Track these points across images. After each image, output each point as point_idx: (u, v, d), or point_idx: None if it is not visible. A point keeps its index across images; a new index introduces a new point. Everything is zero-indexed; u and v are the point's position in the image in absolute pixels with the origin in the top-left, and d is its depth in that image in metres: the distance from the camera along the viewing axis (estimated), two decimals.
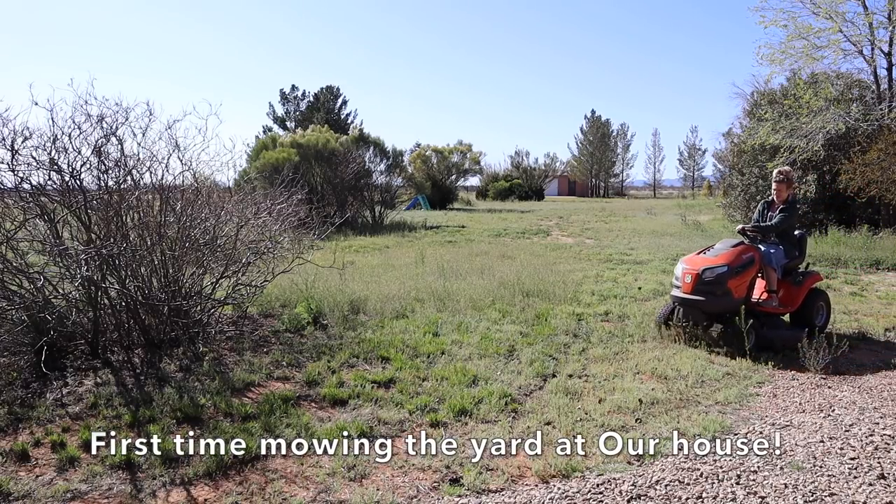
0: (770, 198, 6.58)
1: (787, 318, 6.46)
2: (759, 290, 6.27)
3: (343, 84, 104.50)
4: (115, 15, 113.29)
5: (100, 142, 5.32)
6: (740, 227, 6.38)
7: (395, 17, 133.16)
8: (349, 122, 53.67)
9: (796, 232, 6.55)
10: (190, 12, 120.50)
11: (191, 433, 3.95)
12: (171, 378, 4.86)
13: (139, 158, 5.73)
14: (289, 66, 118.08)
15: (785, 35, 15.20)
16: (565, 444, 3.81)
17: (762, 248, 6.16)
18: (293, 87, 55.52)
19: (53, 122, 5.09)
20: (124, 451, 3.61)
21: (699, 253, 6.22)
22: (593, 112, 79.89)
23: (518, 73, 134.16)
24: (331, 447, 3.77)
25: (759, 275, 6.17)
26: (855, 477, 3.41)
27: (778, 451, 3.72)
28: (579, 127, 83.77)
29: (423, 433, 4.01)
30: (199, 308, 6.05)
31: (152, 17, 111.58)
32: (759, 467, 3.52)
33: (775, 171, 6.46)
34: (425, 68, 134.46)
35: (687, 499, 3.18)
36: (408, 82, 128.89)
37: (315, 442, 3.82)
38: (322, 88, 55.49)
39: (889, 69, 14.83)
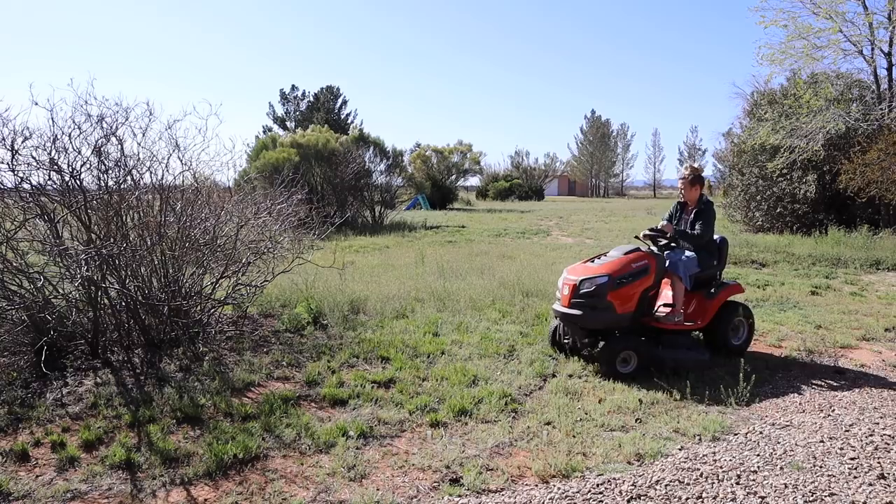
0: (682, 198, 5.89)
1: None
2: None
3: (343, 84, 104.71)
4: (114, 17, 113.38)
5: (100, 142, 5.32)
6: (658, 227, 5.63)
7: (396, 18, 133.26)
8: (349, 122, 53.67)
9: (716, 237, 5.84)
10: (190, 14, 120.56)
11: (191, 433, 3.96)
12: (171, 378, 4.86)
13: (139, 158, 5.73)
14: (289, 67, 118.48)
15: (785, 35, 15.22)
16: (565, 443, 3.81)
17: (671, 256, 5.52)
18: (293, 87, 55.55)
19: (53, 122, 5.09)
20: (124, 452, 3.61)
21: (587, 260, 5.55)
22: (593, 112, 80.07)
23: (518, 74, 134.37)
24: (331, 447, 3.77)
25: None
26: (855, 477, 3.41)
27: (778, 451, 3.72)
28: (579, 127, 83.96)
29: (423, 433, 4.02)
30: (199, 308, 6.05)
31: (152, 19, 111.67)
32: (759, 467, 3.52)
33: (682, 170, 5.85)
34: (425, 69, 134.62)
35: (687, 499, 3.18)
36: (408, 83, 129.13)
37: (315, 442, 3.83)
38: (322, 88, 55.51)
39: (889, 69, 14.84)
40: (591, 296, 5.10)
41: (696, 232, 5.63)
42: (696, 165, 5.87)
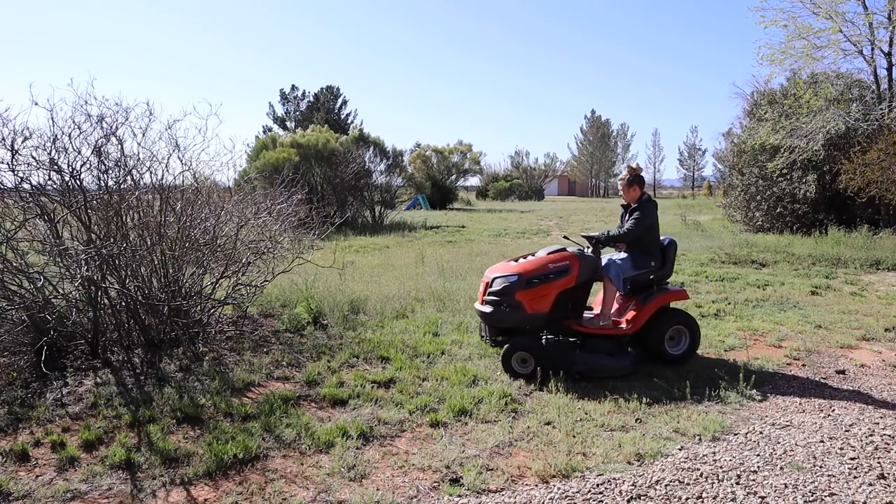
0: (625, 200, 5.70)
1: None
2: (597, 306, 5.56)
3: (343, 84, 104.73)
4: (114, 18, 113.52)
5: (100, 142, 5.33)
6: (591, 233, 5.53)
7: (396, 19, 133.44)
8: (349, 122, 53.67)
9: (663, 238, 5.55)
10: (190, 14, 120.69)
11: (191, 433, 3.96)
12: (171, 378, 4.86)
13: (139, 158, 5.74)
14: (289, 67, 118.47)
15: (785, 35, 15.21)
16: (565, 443, 3.81)
17: (605, 258, 5.42)
18: (293, 87, 55.53)
19: (53, 122, 5.10)
20: (124, 452, 3.61)
21: (512, 259, 5.50)
22: (593, 112, 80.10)
23: (518, 74, 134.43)
24: (331, 447, 3.77)
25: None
26: (855, 477, 3.41)
27: (778, 451, 3.72)
28: (579, 127, 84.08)
29: (423, 433, 4.02)
30: (199, 308, 6.05)
31: (152, 19, 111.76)
32: (759, 467, 3.52)
33: (623, 171, 5.68)
34: (425, 68, 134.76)
35: (687, 499, 3.18)
36: (408, 83, 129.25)
37: (315, 442, 3.83)
38: (322, 88, 55.50)
39: (889, 69, 14.83)
40: (500, 294, 5.12)
41: (620, 231, 5.43)
42: (634, 166, 5.71)
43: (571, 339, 5.32)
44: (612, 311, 5.48)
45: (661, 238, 5.57)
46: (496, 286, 5.17)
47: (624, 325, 5.31)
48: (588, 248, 5.47)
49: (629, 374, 5.00)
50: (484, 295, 5.26)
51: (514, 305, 5.08)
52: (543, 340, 5.20)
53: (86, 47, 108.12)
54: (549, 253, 5.31)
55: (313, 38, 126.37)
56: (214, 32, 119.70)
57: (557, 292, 5.13)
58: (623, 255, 5.46)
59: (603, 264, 5.38)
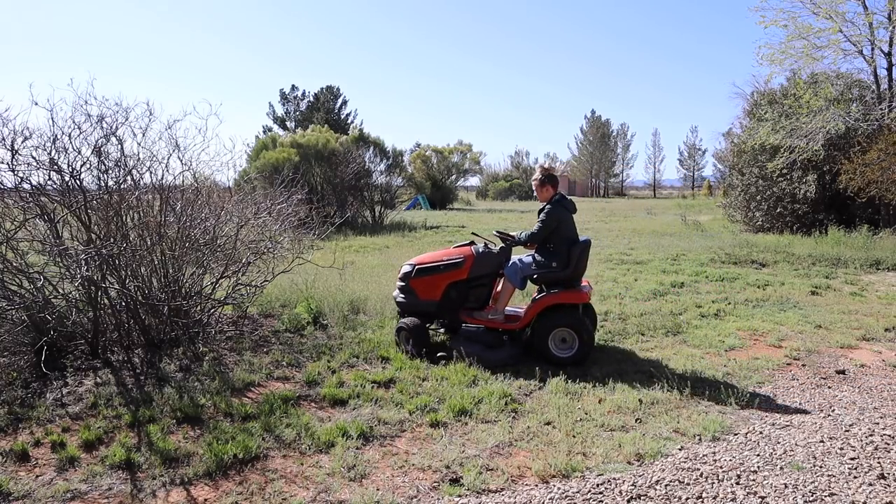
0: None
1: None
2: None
3: (343, 85, 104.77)
4: (114, 20, 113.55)
5: (100, 142, 5.33)
6: (509, 234, 5.79)
7: (396, 20, 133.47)
8: (349, 122, 53.69)
9: (582, 238, 5.52)
10: (190, 15, 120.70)
11: (191, 433, 3.96)
12: (171, 378, 4.86)
13: (139, 158, 5.74)
14: (289, 67, 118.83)
15: (785, 35, 15.21)
16: (565, 443, 3.81)
17: (513, 258, 5.65)
18: (293, 88, 55.58)
19: (53, 122, 5.10)
20: (124, 452, 3.61)
21: (435, 251, 6.06)
22: (593, 112, 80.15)
23: (518, 74, 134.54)
24: (331, 447, 3.77)
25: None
26: (855, 477, 3.41)
27: (778, 451, 3.72)
28: (579, 127, 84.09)
29: (423, 433, 4.02)
30: (199, 308, 6.05)
31: (152, 21, 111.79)
32: (759, 467, 3.52)
33: (535, 171, 5.69)
34: (425, 69, 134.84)
35: (687, 499, 3.18)
36: (408, 83, 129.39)
37: (315, 442, 3.83)
38: (322, 89, 55.53)
39: (889, 69, 14.83)
40: (401, 280, 5.78)
41: (528, 234, 5.57)
42: (546, 166, 5.72)
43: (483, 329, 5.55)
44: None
45: (581, 238, 5.57)
46: (401, 273, 5.81)
47: (511, 321, 5.58)
48: (492, 244, 5.86)
49: (505, 366, 5.16)
50: (396, 280, 5.90)
51: (408, 291, 5.71)
52: (463, 327, 5.57)
53: (86, 49, 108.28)
54: (456, 247, 5.82)
55: (313, 38, 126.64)
56: (214, 33, 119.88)
57: (447, 283, 5.60)
58: (529, 254, 5.66)
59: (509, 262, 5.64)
